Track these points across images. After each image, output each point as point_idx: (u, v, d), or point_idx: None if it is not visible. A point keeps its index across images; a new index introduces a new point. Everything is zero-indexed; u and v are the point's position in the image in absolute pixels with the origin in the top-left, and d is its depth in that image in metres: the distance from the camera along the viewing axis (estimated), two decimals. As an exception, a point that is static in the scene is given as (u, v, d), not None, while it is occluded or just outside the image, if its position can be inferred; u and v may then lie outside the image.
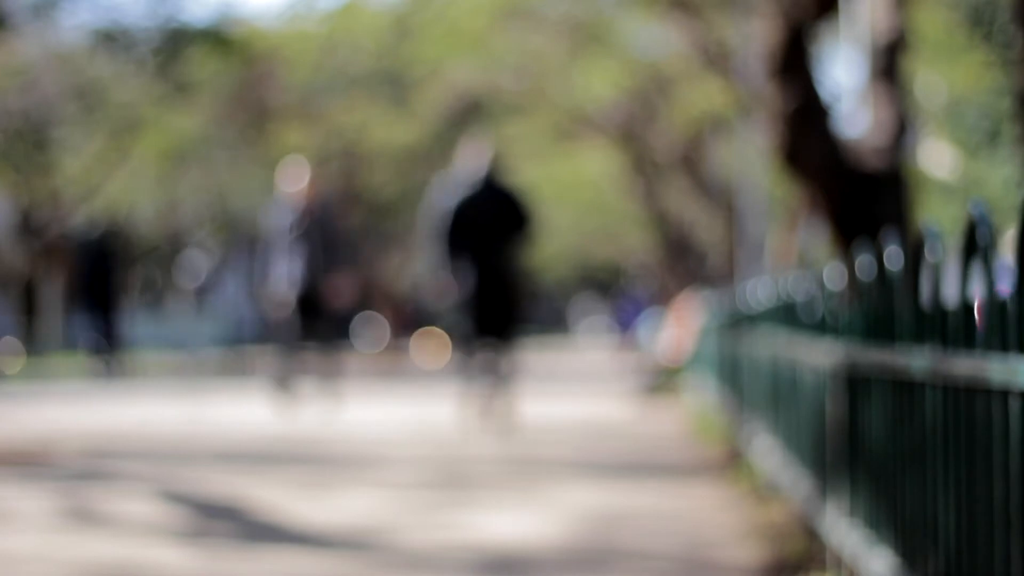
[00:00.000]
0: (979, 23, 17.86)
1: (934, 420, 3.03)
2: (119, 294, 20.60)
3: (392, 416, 11.96)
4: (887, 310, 3.56)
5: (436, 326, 33.08)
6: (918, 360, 3.15)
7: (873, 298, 3.76)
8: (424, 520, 5.80)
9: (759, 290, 7.55)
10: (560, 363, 27.14)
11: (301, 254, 12.11)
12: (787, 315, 5.76)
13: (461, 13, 23.16)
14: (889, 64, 9.17)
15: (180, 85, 26.22)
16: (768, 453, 6.40)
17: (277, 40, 27.88)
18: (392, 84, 27.70)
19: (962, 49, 18.59)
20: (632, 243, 35.11)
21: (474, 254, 10.90)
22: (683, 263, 24.71)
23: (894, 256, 3.51)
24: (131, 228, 33.95)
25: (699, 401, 12.00)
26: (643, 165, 24.78)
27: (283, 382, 12.09)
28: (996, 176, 19.71)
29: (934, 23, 18.03)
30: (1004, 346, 2.51)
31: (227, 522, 5.85)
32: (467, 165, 11.15)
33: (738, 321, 8.40)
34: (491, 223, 10.92)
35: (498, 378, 10.96)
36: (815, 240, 18.79)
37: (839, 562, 4.18)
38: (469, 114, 27.30)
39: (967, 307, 2.76)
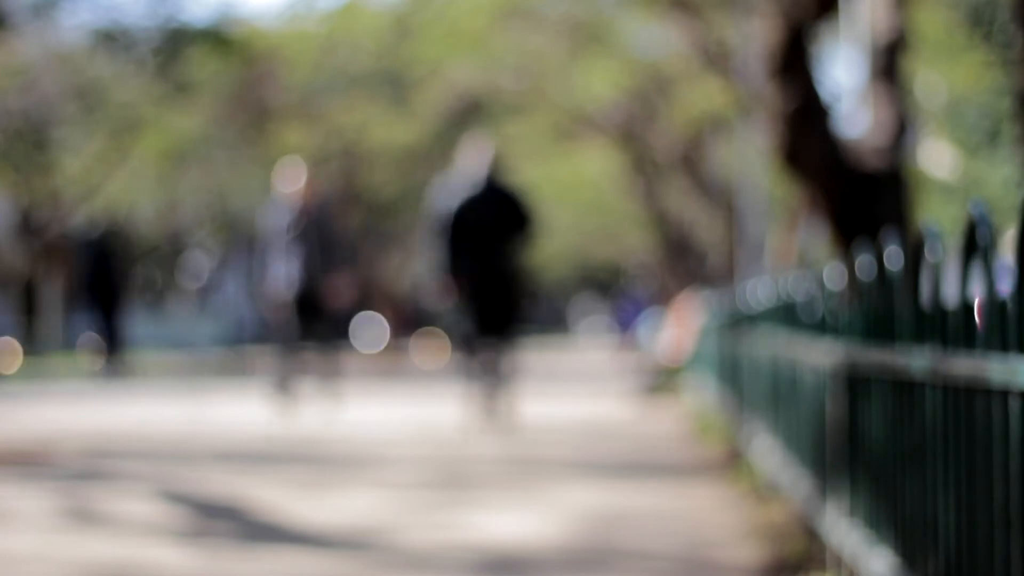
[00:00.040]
0: (979, 23, 17.86)
1: (934, 420, 3.03)
2: (122, 294, 20.62)
3: (392, 416, 11.96)
4: (887, 310, 3.56)
5: (436, 326, 33.10)
6: (918, 360, 3.15)
7: (873, 298, 3.76)
8: (424, 520, 5.80)
9: (759, 290, 7.55)
10: (560, 363, 27.14)
11: (298, 254, 12.09)
12: (787, 315, 5.76)
13: (461, 13, 23.17)
14: (889, 64, 9.17)
15: (180, 85, 26.22)
16: (768, 453, 6.40)
17: (277, 40, 27.89)
18: (392, 84, 27.70)
19: (962, 49, 18.59)
20: (632, 243, 35.12)
21: (475, 254, 10.90)
22: (683, 263, 24.71)
23: (894, 256, 3.51)
24: (131, 228, 33.96)
25: (699, 401, 12.00)
26: (643, 165, 24.79)
27: (283, 382, 12.08)
28: (996, 176, 19.71)
29: (934, 23, 18.03)
30: (1004, 346, 2.51)
31: (227, 522, 5.85)
32: (468, 165, 11.15)
33: (738, 321, 8.40)
34: (492, 224, 10.92)
35: (498, 378, 10.96)
36: (815, 240, 18.80)
37: (839, 562, 4.18)
38: (469, 114, 27.30)
39: (967, 307, 2.76)
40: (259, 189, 29.71)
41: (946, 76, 19.78)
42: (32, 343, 31.08)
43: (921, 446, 3.16)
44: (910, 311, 3.29)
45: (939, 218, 18.06)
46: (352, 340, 34.31)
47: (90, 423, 11.31)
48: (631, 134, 23.85)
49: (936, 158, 20.65)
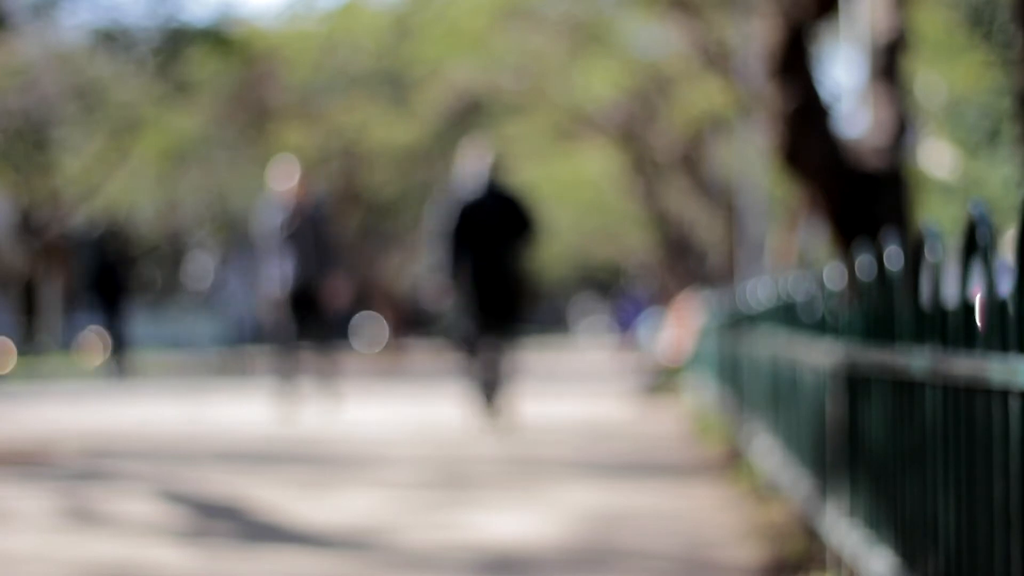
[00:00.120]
0: (979, 23, 17.86)
1: (934, 420, 3.03)
2: (126, 294, 20.66)
3: (392, 416, 11.96)
4: (887, 310, 3.56)
5: (436, 326, 33.08)
6: (918, 360, 3.15)
7: (873, 298, 3.76)
8: (424, 520, 5.80)
9: (759, 290, 7.55)
10: (560, 363, 27.14)
11: (293, 253, 12.05)
12: (787, 315, 5.76)
13: (461, 13, 23.16)
14: (889, 64, 9.17)
15: (180, 85, 26.22)
16: (768, 453, 6.40)
17: (277, 40, 27.87)
18: (392, 84, 27.69)
19: (962, 49, 18.59)
20: (632, 243, 35.11)
21: (477, 257, 10.93)
22: (683, 263, 24.71)
23: (894, 256, 3.51)
24: (131, 228, 33.96)
25: (699, 401, 12.00)
26: (643, 165, 24.78)
27: (283, 383, 12.07)
28: (996, 176, 19.71)
29: (934, 23, 18.03)
30: (1004, 346, 2.51)
31: (227, 522, 5.85)
32: (469, 169, 11.17)
33: (738, 321, 8.40)
34: (494, 228, 10.95)
35: (498, 378, 10.96)
36: (815, 240, 18.80)
37: (839, 562, 4.18)
38: (469, 114, 27.30)
39: (967, 307, 2.76)
40: (259, 189, 29.71)
41: (946, 76, 19.78)
42: (32, 343, 31.09)
43: (921, 446, 3.16)
44: (910, 311, 3.29)
45: (939, 218, 18.06)
46: (352, 340, 34.31)
47: (90, 423, 11.31)
48: (631, 134, 23.85)
49: (936, 158, 20.65)
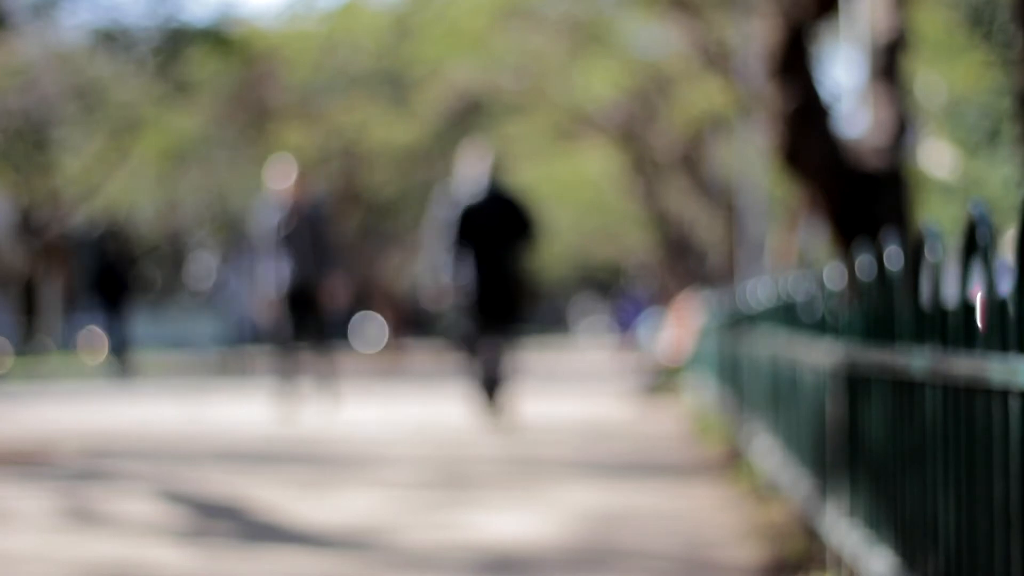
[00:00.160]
0: (979, 23, 17.86)
1: (934, 420, 3.03)
2: (129, 294, 20.69)
3: (392, 416, 11.96)
4: (887, 310, 3.56)
5: (436, 327, 33.07)
6: (918, 360, 3.15)
7: (873, 298, 3.76)
8: (424, 520, 5.80)
9: (759, 290, 7.55)
10: (560, 363, 27.14)
11: (290, 253, 11.98)
12: (787, 315, 5.76)
13: (461, 13, 23.16)
14: (889, 64, 9.17)
15: (180, 85, 26.22)
16: (768, 453, 6.40)
17: (277, 40, 27.87)
18: (392, 84, 27.69)
19: (962, 49, 18.60)
20: (632, 243, 35.12)
21: (478, 259, 10.94)
22: (683, 263, 24.71)
23: (894, 256, 3.51)
24: (131, 228, 33.96)
25: (699, 401, 12.00)
26: (643, 165, 24.78)
27: (282, 383, 12.05)
28: (996, 176, 19.72)
29: (934, 23, 18.03)
30: (1004, 346, 2.51)
31: (227, 522, 5.85)
32: (469, 172, 11.18)
33: (738, 321, 8.40)
34: (495, 230, 10.96)
35: (499, 377, 10.97)
36: (815, 240, 18.80)
37: (839, 562, 4.18)
38: (469, 114, 27.30)
39: (967, 307, 2.76)
40: (259, 189, 29.71)
41: (946, 76, 19.78)
42: (32, 343, 31.09)
43: (921, 446, 3.16)
44: (910, 311, 3.29)
45: (939, 218, 18.06)
46: (351, 340, 34.31)
47: (90, 423, 11.31)
48: (631, 134, 23.85)
49: (936, 158, 20.65)
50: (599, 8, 23.12)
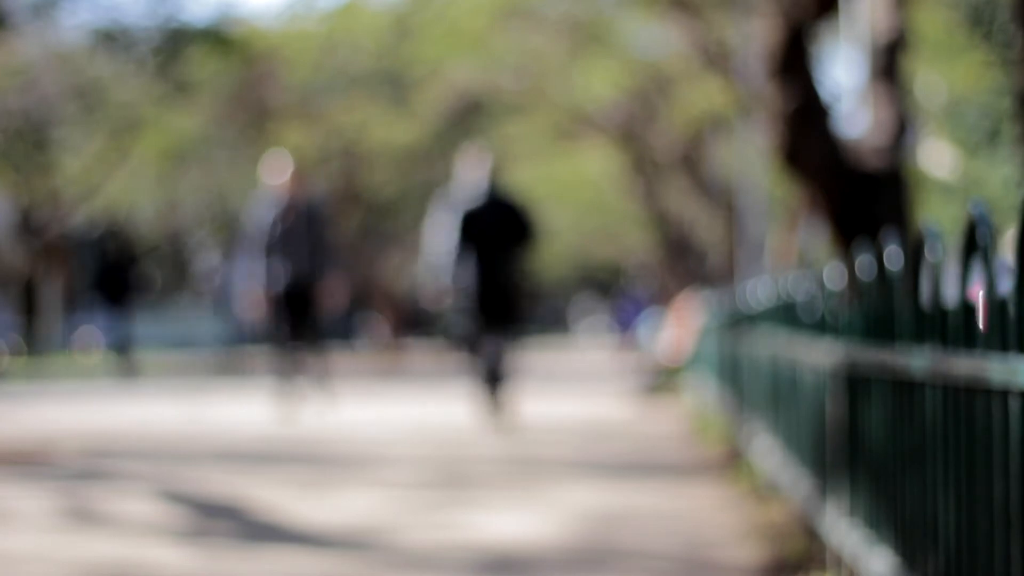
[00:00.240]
0: (979, 23, 17.86)
1: (934, 420, 3.03)
2: (133, 295, 20.70)
3: (392, 416, 11.96)
4: (887, 310, 3.56)
5: (435, 327, 33.06)
6: (918, 360, 3.15)
7: (873, 298, 3.76)
8: (424, 520, 5.81)
9: (759, 290, 7.55)
10: (560, 363, 27.14)
11: (285, 250, 11.82)
12: (787, 315, 5.76)
13: (461, 13, 23.16)
14: (889, 64, 9.17)
15: (180, 85, 26.22)
16: (768, 453, 6.40)
17: (277, 40, 27.87)
18: (392, 84, 27.69)
19: (962, 49, 18.59)
20: (632, 243, 35.12)
21: (478, 263, 10.97)
22: (683, 263, 24.71)
23: (894, 256, 3.51)
24: (131, 228, 33.95)
25: (699, 401, 12.00)
26: (643, 165, 24.78)
27: (282, 382, 12.01)
28: (996, 176, 19.71)
29: (934, 23, 18.03)
30: (1004, 346, 2.51)
31: (227, 522, 5.85)
32: (468, 175, 11.20)
33: (738, 321, 8.40)
34: (495, 234, 10.98)
35: (500, 376, 10.98)
36: (815, 240, 18.79)
37: (839, 562, 4.18)
38: (469, 114, 27.30)
39: (967, 307, 2.76)
40: (259, 189, 29.68)
41: (946, 76, 19.78)
42: (32, 343, 31.09)
43: (921, 446, 3.16)
44: (910, 311, 3.29)
45: (939, 218, 18.06)
46: (351, 340, 34.30)
47: (90, 423, 11.31)
48: (631, 134, 23.85)
49: (936, 158, 20.65)
50: (599, 8, 23.12)
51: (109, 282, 20.36)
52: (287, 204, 11.82)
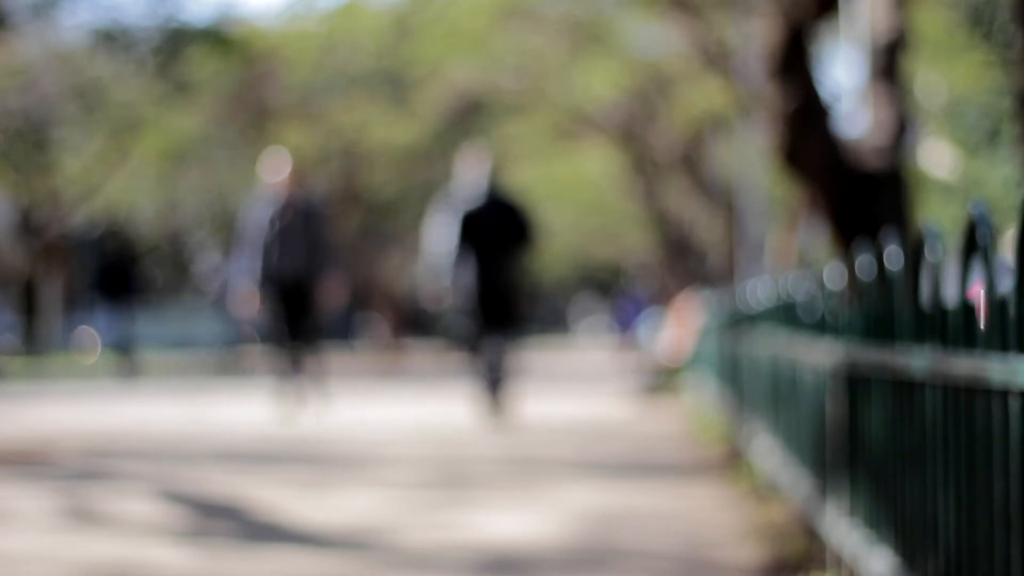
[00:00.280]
0: (979, 23, 17.86)
1: (934, 420, 3.03)
2: (135, 295, 20.71)
3: (392, 416, 11.96)
4: (887, 310, 3.56)
5: (435, 327, 33.04)
6: (918, 360, 3.15)
7: (873, 298, 3.76)
8: (424, 520, 5.80)
9: (759, 290, 7.55)
10: (560, 363, 27.14)
11: (283, 246, 11.71)
12: (787, 315, 5.76)
13: (461, 13, 23.16)
14: (889, 64, 9.17)
15: (180, 85, 26.22)
16: (768, 453, 6.40)
17: (277, 40, 27.87)
18: (392, 84, 27.69)
19: (962, 49, 18.60)
20: (632, 243, 35.12)
21: (477, 262, 10.97)
22: (683, 263, 24.71)
23: (894, 256, 3.51)
24: (131, 228, 33.95)
25: (699, 401, 12.00)
26: (643, 165, 24.78)
27: (282, 382, 11.98)
28: (996, 176, 19.71)
29: (934, 23, 18.03)
30: (1004, 346, 2.51)
31: (227, 522, 5.85)
32: (468, 175, 11.20)
33: (738, 321, 8.40)
34: (495, 235, 10.99)
35: (501, 376, 10.99)
36: (815, 240, 18.80)
37: (839, 562, 4.18)
38: (469, 114, 27.30)
39: (967, 307, 2.76)
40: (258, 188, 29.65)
41: (946, 76, 19.78)
42: (32, 343, 31.09)
43: (921, 446, 3.16)
44: (910, 311, 3.29)
45: (939, 218, 18.06)
46: (351, 340, 34.30)
47: (90, 423, 11.31)
48: (631, 134, 23.85)
49: (936, 158, 20.65)
50: (599, 8, 23.12)
51: (110, 282, 20.38)
52: (285, 202, 11.76)
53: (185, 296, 39.99)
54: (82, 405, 13.84)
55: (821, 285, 4.78)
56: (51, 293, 33.69)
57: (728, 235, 22.30)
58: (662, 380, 16.16)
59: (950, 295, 2.95)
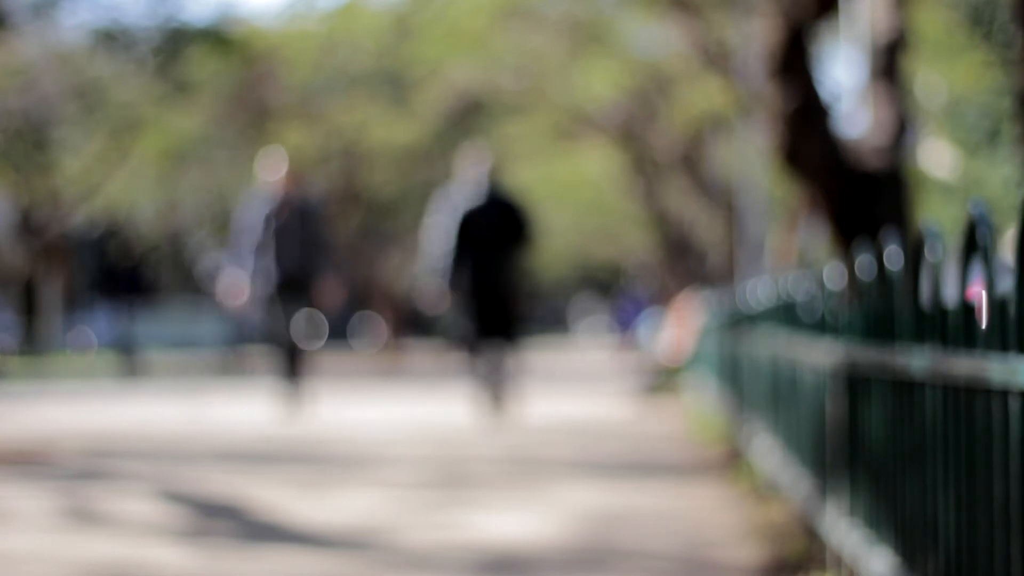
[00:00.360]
0: (979, 23, 17.86)
1: (934, 420, 3.03)
2: (139, 295, 20.77)
3: (392, 416, 11.96)
4: (887, 310, 3.56)
5: (435, 327, 33.04)
6: (918, 360, 3.15)
7: (873, 298, 3.76)
8: (424, 520, 5.80)
9: (759, 290, 7.55)
10: (560, 363, 27.14)
11: (279, 245, 11.65)
12: (787, 315, 5.76)
13: (461, 13, 23.16)
14: (889, 64, 9.17)
15: (180, 85, 26.22)
16: (768, 453, 6.40)
17: (277, 40, 27.87)
18: (392, 84, 27.69)
19: (962, 49, 18.59)
20: (632, 243, 35.12)
21: (476, 264, 10.98)
22: (683, 263, 24.71)
23: (894, 256, 3.51)
24: (131, 228, 33.95)
25: (699, 401, 12.00)
26: (643, 165, 24.78)
27: (282, 382, 11.96)
28: (996, 176, 19.71)
29: (934, 23, 18.03)
30: (1004, 346, 2.50)
31: (227, 522, 5.85)
32: (468, 175, 11.21)
33: (738, 321, 8.40)
34: (494, 235, 11.00)
35: (501, 376, 10.99)
36: (815, 240, 18.80)
37: (839, 562, 4.18)
38: (469, 114, 27.30)
39: (967, 307, 2.76)
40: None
41: (946, 76, 19.78)
42: (32, 343, 31.09)
43: (921, 446, 3.16)
44: (910, 311, 3.29)
45: (939, 218, 18.06)
46: (350, 340, 34.30)
47: (90, 423, 11.31)
48: (631, 134, 23.85)
49: (936, 158, 20.65)
50: (599, 8, 23.12)
51: (112, 282, 20.43)
52: (281, 201, 11.72)
53: (186, 296, 39.99)
54: (82, 405, 13.84)
55: (821, 285, 4.78)
56: (51, 293, 33.68)
57: (728, 235, 22.30)
58: (662, 380, 16.15)
59: (950, 295, 2.95)
